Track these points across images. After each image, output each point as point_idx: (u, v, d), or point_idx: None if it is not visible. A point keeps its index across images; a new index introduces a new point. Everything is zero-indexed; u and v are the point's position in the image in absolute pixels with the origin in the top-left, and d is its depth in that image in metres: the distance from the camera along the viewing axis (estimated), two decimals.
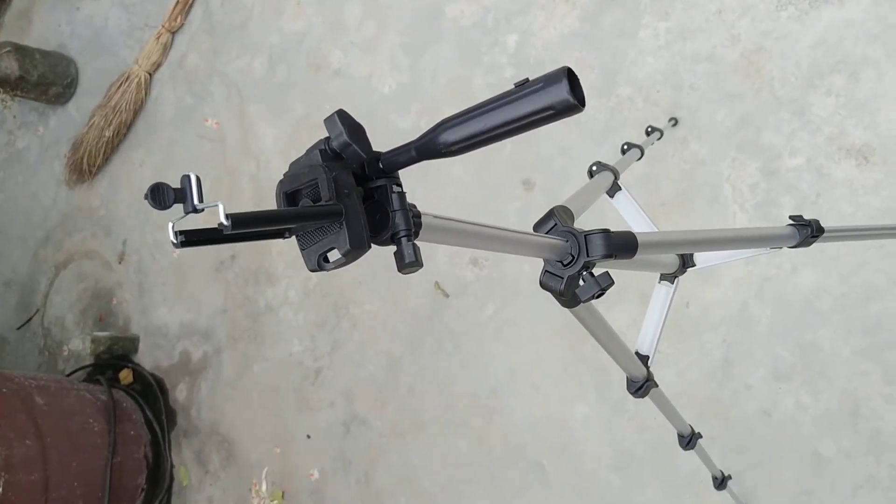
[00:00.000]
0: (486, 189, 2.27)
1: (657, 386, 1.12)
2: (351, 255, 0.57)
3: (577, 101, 0.55)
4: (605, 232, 0.82)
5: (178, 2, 3.12)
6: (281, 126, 2.83)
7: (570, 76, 0.55)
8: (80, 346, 2.96)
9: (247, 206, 2.63)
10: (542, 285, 0.87)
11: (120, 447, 2.81)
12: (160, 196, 0.49)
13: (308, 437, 2.56)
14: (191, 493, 2.91)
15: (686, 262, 1.12)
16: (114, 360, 3.09)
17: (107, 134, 3.25)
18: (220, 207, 0.48)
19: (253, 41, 2.97)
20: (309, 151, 0.60)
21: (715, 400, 1.89)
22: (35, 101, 3.64)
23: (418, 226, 0.62)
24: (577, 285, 0.86)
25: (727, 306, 1.89)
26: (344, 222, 0.56)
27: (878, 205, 1.71)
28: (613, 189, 1.16)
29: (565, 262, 0.85)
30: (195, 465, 2.90)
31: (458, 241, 0.70)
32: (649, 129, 1.77)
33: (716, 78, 1.94)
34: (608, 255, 0.83)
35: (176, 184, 0.49)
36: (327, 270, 0.59)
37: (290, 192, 0.59)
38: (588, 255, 0.83)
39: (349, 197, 0.58)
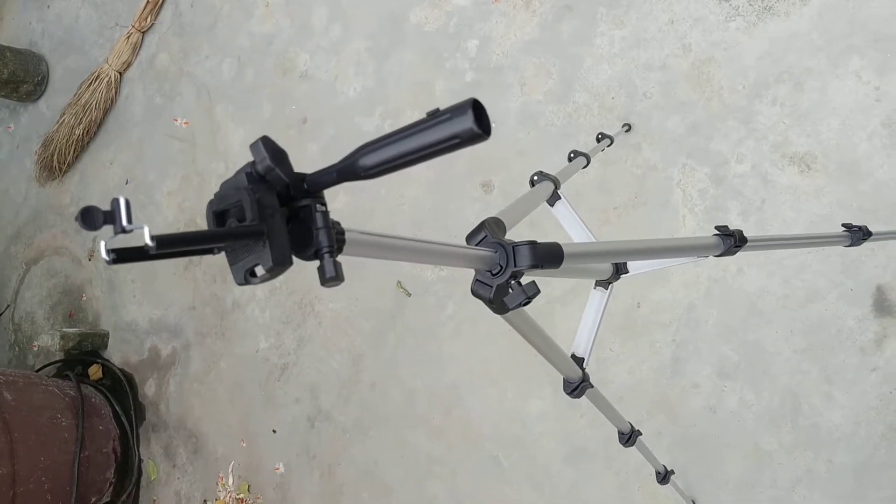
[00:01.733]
0: (448, 189, 2.33)
1: (592, 387, 1.18)
2: (275, 271, 0.62)
3: (481, 131, 0.60)
4: (532, 244, 0.88)
5: (147, 2, 3.15)
6: (249, 127, 2.88)
7: (475, 107, 0.61)
8: (49, 342, 2.99)
9: None
10: (473, 293, 0.93)
11: (88, 442, 2.84)
12: (90, 218, 0.54)
13: (274, 431, 2.61)
14: (159, 487, 2.95)
15: (619, 269, 1.18)
16: (83, 356, 3.12)
17: (77, 132, 3.27)
18: (145, 230, 0.53)
19: (221, 43, 3.00)
20: (237, 173, 0.65)
21: (664, 397, 1.96)
22: (6, 98, 3.66)
23: (341, 242, 0.68)
24: (506, 293, 0.91)
25: (676, 306, 1.96)
26: (267, 241, 0.62)
27: (819, 210, 1.79)
28: (553, 198, 1.21)
29: (494, 272, 0.90)
30: (163, 459, 2.94)
31: (384, 255, 0.75)
32: (599, 136, 1.83)
33: (668, 86, 2.01)
34: (534, 266, 0.89)
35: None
36: (254, 284, 0.64)
37: (218, 212, 0.64)
38: (515, 266, 0.89)
39: (273, 217, 0.63)
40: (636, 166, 2.03)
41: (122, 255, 0.55)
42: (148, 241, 0.54)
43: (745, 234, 1.08)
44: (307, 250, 0.66)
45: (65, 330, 3.02)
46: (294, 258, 0.65)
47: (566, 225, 1.21)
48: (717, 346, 1.90)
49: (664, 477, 1.71)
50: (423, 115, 0.62)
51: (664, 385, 1.97)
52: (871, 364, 1.72)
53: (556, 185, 1.23)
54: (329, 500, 2.48)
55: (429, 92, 2.42)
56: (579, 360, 1.17)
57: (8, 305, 3.51)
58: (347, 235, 0.69)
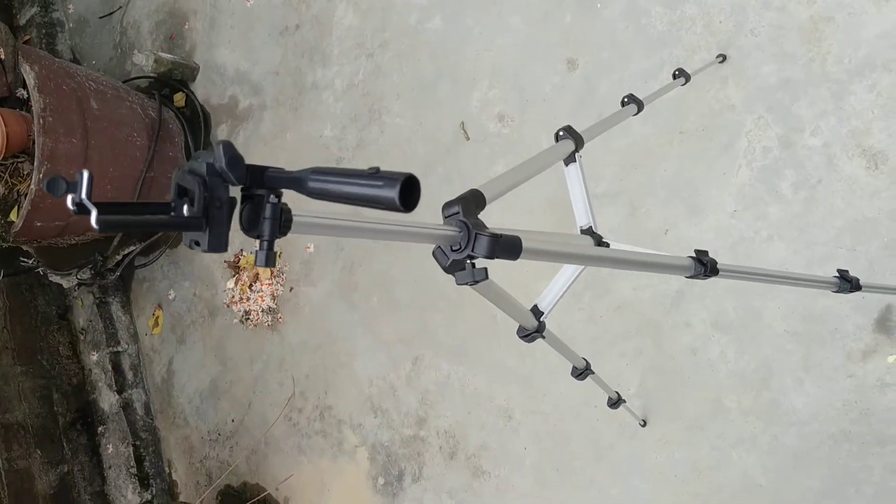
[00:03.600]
0: (535, 51, 2.30)
1: (544, 338, 1.27)
2: (212, 252, 0.72)
3: (401, 206, 0.67)
4: (493, 237, 0.94)
5: None
6: None
7: (406, 184, 0.67)
8: (143, 62, 3.13)
9: None
10: (433, 254, 1.01)
11: (156, 165, 3.07)
12: (54, 187, 0.65)
13: None
14: None
15: (600, 242, 1.23)
16: (172, 82, 3.28)
17: None
18: (94, 213, 0.63)
19: None
20: (204, 156, 0.73)
21: (656, 323, 2.05)
22: None
23: (287, 225, 0.76)
24: (461, 269, 1.00)
25: (700, 246, 1.99)
26: (207, 230, 0.71)
27: (868, 212, 1.76)
28: (570, 159, 1.24)
29: (454, 248, 0.98)
30: None
31: (334, 233, 0.83)
32: (676, 73, 1.79)
33: (778, 31, 1.91)
34: (488, 257, 0.96)
35: None
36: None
37: (181, 187, 0.73)
38: (472, 251, 0.96)
39: (219, 210, 0.71)
40: (716, 100, 1.99)
41: (81, 210, 0.65)
42: (93, 223, 0.64)
43: (718, 266, 1.12)
44: (253, 231, 0.75)
45: (160, 54, 3.15)
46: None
47: (572, 192, 1.25)
48: (721, 298, 1.95)
49: (615, 403, 1.84)
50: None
51: (661, 313, 2.05)
52: (851, 371, 1.77)
53: (579, 145, 1.25)
54: (343, 289, 2.69)
55: None
56: (538, 313, 1.25)
57: (121, 7, 3.64)
58: (297, 219, 0.77)
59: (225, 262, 3.03)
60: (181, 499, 3.20)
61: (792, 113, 1.87)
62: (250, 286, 2.90)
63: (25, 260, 3.10)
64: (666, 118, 2.04)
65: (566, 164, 1.26)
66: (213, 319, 3.12)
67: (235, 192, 0.74)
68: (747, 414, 1.90)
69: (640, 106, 1.52)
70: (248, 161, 0.72)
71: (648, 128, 2.07)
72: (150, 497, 3.18)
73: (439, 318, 2.45)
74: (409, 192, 0.67)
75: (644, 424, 2.05)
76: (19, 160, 2.81)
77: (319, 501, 2.74)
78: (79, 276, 3.02)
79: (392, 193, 0.66)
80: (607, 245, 1.23)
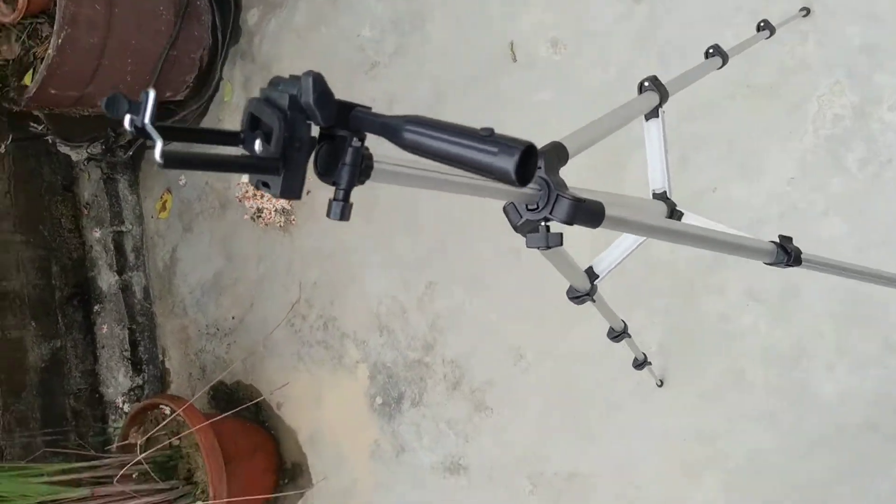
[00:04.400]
0: None
1: (594, 302, 1.19)
2: (284, 198, 0.63)
3: (516, 179, 0.57)
4: (576, 201, 0.84)
5: None
6: None
7: (525, 154, 0.57)
8: None
9: None
10: (504, 210, 0.91)
11: (181, 42, 2.92)
12: (114, 105, 0.55)
13: None
14: (228, 110, 3.08)
15: (673, 213, 1.13)
16: None
17: None
18: (158, 144, 0.54)
19: None
20: (286, 86, 0.62)
21: (689, 284, 1.97)
22: None
23: (367, 173, 0.67)
24: (533, 230, 0.90)
25: (747, 211, 1.89)
26: (282, 173, 0.61)
27: None
28: (652, 114, 1.13)
29: (529, 207, 0.88)
30: (240, 89, 3.04)
31: (415, 184, 0.74)
32: (761, 25, 1.65)
33: None
34: (567, 223, 0.86)
35: None
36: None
37: (255, 117, 0.62)
38: (550, 214, 0.86)
39: (298, 151, 0.62)
40: (792, 57, 1.85)
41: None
42: (157, 157, 0.54)
43: (802, 256, 1.03)
44: (330, 177, 0.66)
45: None
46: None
47: (648, 146, 1.14)
48: (762, 268, 1.86)
49: (641, 364, 1.77)
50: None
51: (695, 274, 1.96)
52: (887, 362, 1.70)
53: (664, 98, 1.14)
54: (364, 202, 2.59)
55: None
56: (593, 276, 1.17)
57: None
58: (377, 166, 0.68)
59: None
60: (172, 387, 3.17)
61: (873, 82, 1.75)
62: None
63: (35, 126, 2.98)
64: (735, 68, 1.91)
65: (646, 119, 1.15)
66: (224, 212, 3.03)
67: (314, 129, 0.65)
68: (770, 391, 1.84)
69: (724, 59, 1.40)
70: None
71: (712, 77, 1.94)
72: (141, 382, 3.15)
73: (460, 245, 2.36)
74: (527, 161, 0.57)
75: (661, 385, 1.99)
76: (39, 21, 2.66)
77: (313, 412, 2.71)
78: (89, 151, 2.91)
79: (508, 164, 0.56)
80: (681, 214, 1.13)
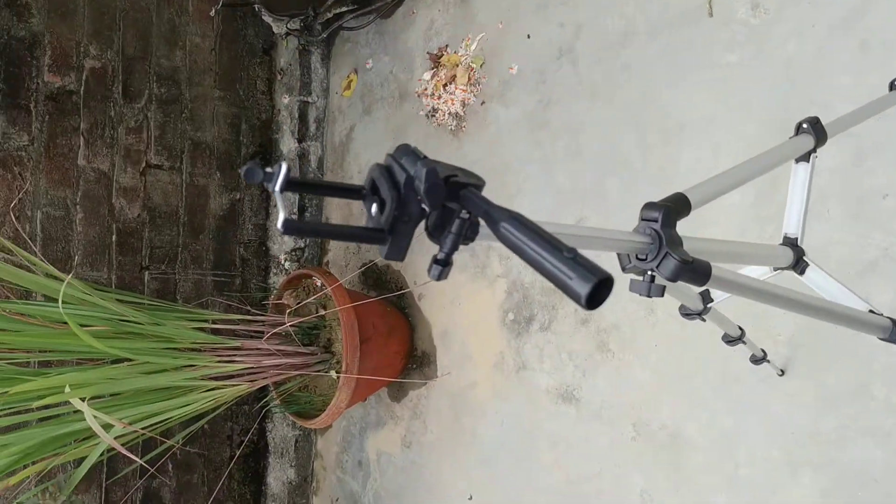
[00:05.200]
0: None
1: (704, 321, 1.22)
2: (387, 259, 0.71)
3: (586, 305, 0.62)
4: (683, 263, 0.88)
5: None
6: None
7: (599, 284, 0.62)
8: None
9: None
10: (618, 253, 0.95)
11: None
12: (251, 174, 0.65)
13: (528, 36, 2.66)
14: (425, 2, 3.13)
15: (798, 263, 1.12)
16: None
17: None
18: (281, 216, 0.64)
19: None
20: (408, 161, 0.69)
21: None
22: None
23: (473, 236, 0.74)
24: (638, 274, 0.95)
25: None
26: (389, 241, 0.69)
27: None
28: (803, 157, 1.11)
29: (639, 256, 0.92)
30: None
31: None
32: None
33: None
34: (671, 281, 0.90)
35: None
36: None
37: (374, 184, 0.70)
38: (656, 270, 0.90)
39: (406, 223, 0.69)
40: None
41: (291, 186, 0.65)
42: (279, 226, 0.64)
43: None
44: (436, 239, 0.74)
45: None
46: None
47: (791, 193, 1.12)
48: None
49: (759, 360, 1.77)
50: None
51: (842, 278, 1.90)
52: None
53: (820, 141, 1.11)
54: (532, 122, 2.62)
55: None
56: (707, 299, 1.19)
57: None
58: (481, 231, 0.74)
59: (427, 53, 2.99)
60: (329, 255, 3.41)
61: None
62: (445, 85, 2.86)
63: None
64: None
65: (795, 162, 1.13)
66: (401, 103, 3.14)
67: None
68: (892, 409, 1.80)
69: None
70: None
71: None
72: (303, 245, 3.41)
73: (617, 185, 2.37)
74: (598, 290, 0.62)
75: (782, 374, 1.98)
76: None
77: (450, 311, 2.87)
78: (289, 26, 3.06)
79: (581, 291, 0.62)
80: (806, 266, 1.12)
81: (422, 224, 0.73)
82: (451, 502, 2.82)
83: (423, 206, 0.69)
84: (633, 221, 0.93)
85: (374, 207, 0.69)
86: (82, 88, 2.96)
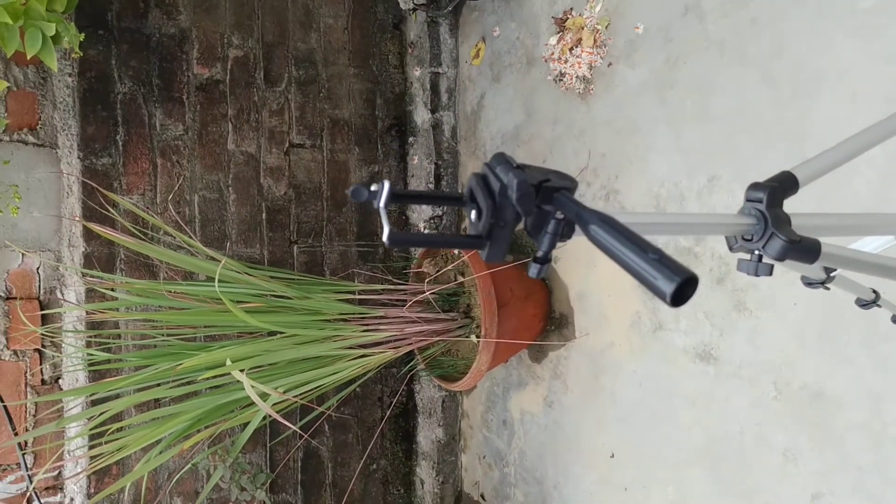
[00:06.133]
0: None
1: (828, 289, 1.21)
2: (489, 262, 0.78)
3: (671, 302, 0.67)
4: (790, 242, 0.89)
5: None
6: None
7: (683, 284, 0.66)
8: None
9: None
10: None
11: None
12: (357, 193, 0.73)
13: None
14: None
15: None
16: None
17: None
18: (385, 229, 0.71)
19: None
20: (503, 170, 0.75)
21: None
22: None
23: (569, 233, 0.79)
24: (745, 253, 0.97)
25: None
26: (487, 246, 0.76)
27: None
28: None
29: (745, 237, 0.95)
30: None
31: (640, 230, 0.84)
32: None
33: None
34: (778, 261, 0.92)
35: None
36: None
37: (472, 192, 0.77)
38: (762, 249, 0.93)
39: (503, 228, 0.76)
40: None
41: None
42: (385, 239, 0.72)
43: None
44: (535, 238, 0.80)
45: None
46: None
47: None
48: None
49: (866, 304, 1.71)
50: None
51: None
52: None
53: None
54: (660, 82, 2.60)
55: None
56: (830, 268, 1.19)
57: None
58: (577, 228, 0.80)
59: (552, 17, 2.99)
60: (466, 223, 3.50)
61: None
62: (571, 49, 2.87)
63: None
64: None
65: None
66: (529, 69, 3.16)
67: None
68: None
69: None
70: None
71: None
72: (440, 213, 3.51)
73: (750, 144, 2.32)
74: (683, 289, 0.67)
75: None
76: None
77: (586, 272, 2.90)
78: (415, 1, 3.13)
79: (666, 290, 0.66)
80: None
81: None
82: (594, 460, 2.88)
83: (519, 213, 0.75)
84: (764, 176, 0.95)
85: (473, 213, 0.76)
86: (228, 77, 3.16)
